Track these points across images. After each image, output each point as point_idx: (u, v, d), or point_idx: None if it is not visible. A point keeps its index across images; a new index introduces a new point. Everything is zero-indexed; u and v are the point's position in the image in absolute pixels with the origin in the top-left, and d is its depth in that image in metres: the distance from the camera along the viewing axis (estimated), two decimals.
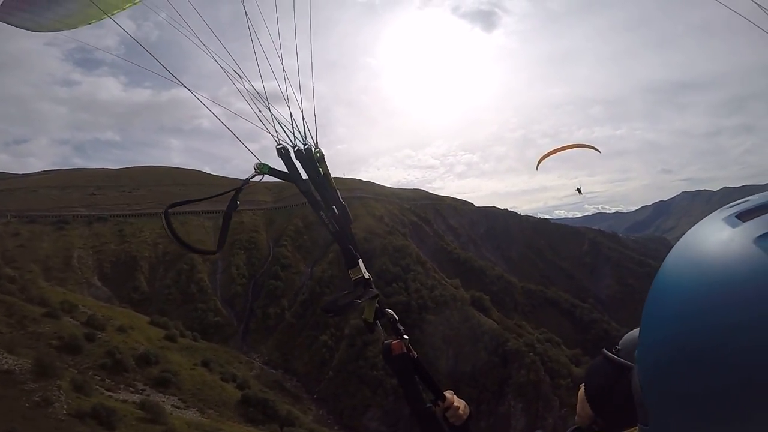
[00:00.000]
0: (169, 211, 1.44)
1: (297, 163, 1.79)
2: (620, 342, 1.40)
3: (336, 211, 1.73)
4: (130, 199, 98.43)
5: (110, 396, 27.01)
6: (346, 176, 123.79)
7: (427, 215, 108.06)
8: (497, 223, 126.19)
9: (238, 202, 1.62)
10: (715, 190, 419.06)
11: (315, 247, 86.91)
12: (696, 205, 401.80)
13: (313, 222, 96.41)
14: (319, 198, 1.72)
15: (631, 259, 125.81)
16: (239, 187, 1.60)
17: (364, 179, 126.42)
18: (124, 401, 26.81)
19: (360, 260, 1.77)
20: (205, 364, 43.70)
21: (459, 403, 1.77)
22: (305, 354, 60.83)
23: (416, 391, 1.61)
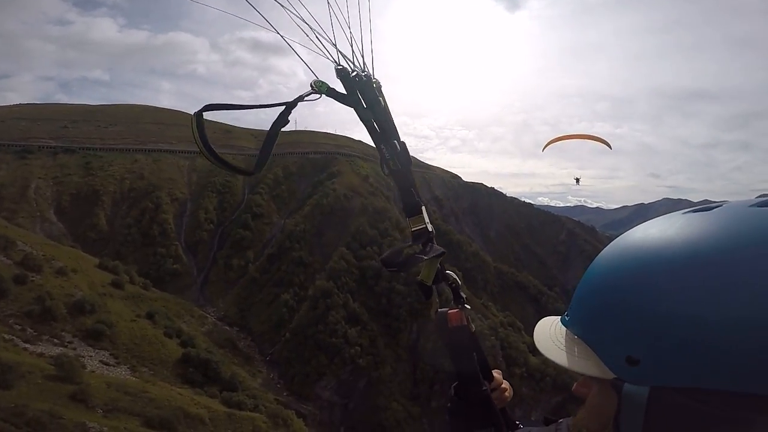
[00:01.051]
0: (203, 113, 1.05)
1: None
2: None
3: (398, 147, 1.45)
4: (104, 134, 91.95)
5: (25, 349, 23.86)
6: (337, 132, 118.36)
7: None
8: (481, 200, 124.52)
9: (288, 119, 1.28)
10: (695, 201, 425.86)
11: (292, 199, 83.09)
12: (673, 212, 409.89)
13: (294, 173, 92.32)
14: (378, 130, 1.45)
15: None
16: (292, 101, 1.30)
17: (356, 139, 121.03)
18: (40, 355, 23.74)
19: (423, 208, 1.46)
20: (150, 316, 40.64)
21: (506, 384, 1.54)
22: (263, 312, 58.52)
23: (473, 369, 1.35)
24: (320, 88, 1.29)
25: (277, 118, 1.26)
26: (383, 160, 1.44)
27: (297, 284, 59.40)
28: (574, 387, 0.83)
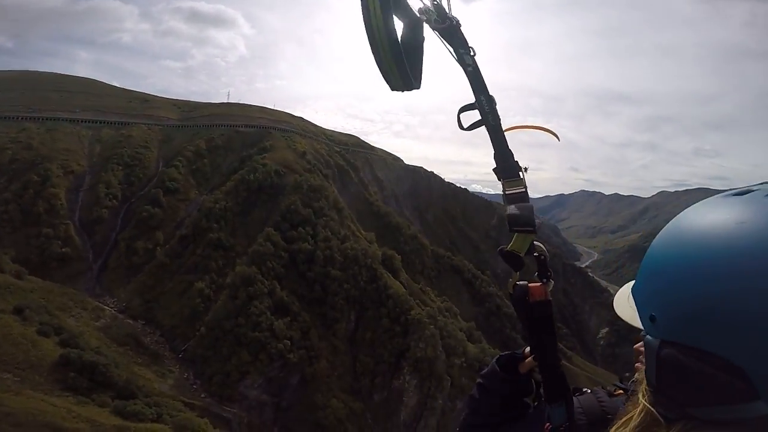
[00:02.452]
0: None
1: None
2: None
3: (494, 101, 1.36)
4: None
5: None
6: (276, 107, 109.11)
7: (357, 162, 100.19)
8: (421, 183, 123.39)
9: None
10: (607, 194, 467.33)
11: (215, 174, 73.93)
12: (589, 204, 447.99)
13: (220, 146, 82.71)
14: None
15: None
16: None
17: (296, 115, 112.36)
18: None
19: (523, 171, 1.38)
20: (19, 311, 32.53)
21: None
22: (175, 303, 50.68)
23: (555, 345, 1.32)
24: (430, 16, 1.20)
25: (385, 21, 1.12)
26: (484, 114, 1.33)
27: (214, 270, 52.12)
28: (635, 346, 1.02)
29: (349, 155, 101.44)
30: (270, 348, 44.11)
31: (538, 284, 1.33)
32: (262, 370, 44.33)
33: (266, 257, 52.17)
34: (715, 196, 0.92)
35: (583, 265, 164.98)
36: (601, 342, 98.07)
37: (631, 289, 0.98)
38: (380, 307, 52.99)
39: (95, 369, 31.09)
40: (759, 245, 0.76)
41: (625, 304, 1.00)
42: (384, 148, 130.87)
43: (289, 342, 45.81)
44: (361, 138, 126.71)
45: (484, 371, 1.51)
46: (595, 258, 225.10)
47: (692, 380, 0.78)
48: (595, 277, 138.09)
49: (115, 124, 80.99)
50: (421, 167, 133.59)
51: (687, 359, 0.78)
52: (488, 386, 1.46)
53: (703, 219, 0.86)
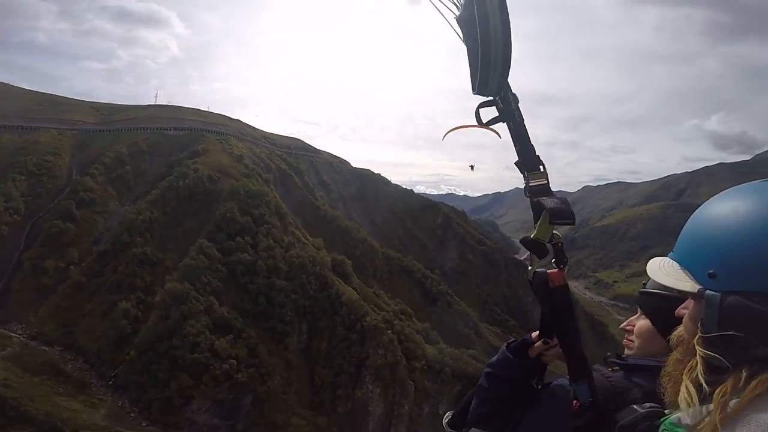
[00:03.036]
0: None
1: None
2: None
3: (517, 98, 1.45)
4: None
5: None
6: (210, 109, 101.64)
7: (301, 166, 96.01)
8: (368, 185, 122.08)
9: None
10: None
11: (138, 182, 66.56)
12: (523, 200, 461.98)
13: (144, 151, 74.96)
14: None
15: (472, 236, 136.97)
16: None
17: (234, 117, 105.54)
18: None
19: (543, 165, 1.46)
20: None
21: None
22: (97, 326, 44.48)
23: (576, 329, 1.41)
24: None
25: None
26: (510, 110, 1.41)
27: (141, 289, 46.37)
28: (676, 311, 1.12)
29: (293, 159, 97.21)
30: (214, 369, 39.80)
31: (556, 270, 1.38)
32: (208, 393, 40.15)
33: (200, 271, 47.26)
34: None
35: (522, 258, 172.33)
36: None
37: (675, 257, 1.06)
38: (333, 315, 50.19)
39: (5, 403, 27.24)
40: None
41: (666, 272, 1.06)
42: (330, 152, 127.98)
43: (235, 361, 41.64)
44: (306, 141, 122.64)
45: (493, 360, 1.54)
46: None
47: (757, 321, 0.86)
48: None
49: (17, 128, 70.21)
50: (368, 170, 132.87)
51: (752, 303, 0.87)
52: (500, 374, 1.50)
53: (747, 189, 0.99)
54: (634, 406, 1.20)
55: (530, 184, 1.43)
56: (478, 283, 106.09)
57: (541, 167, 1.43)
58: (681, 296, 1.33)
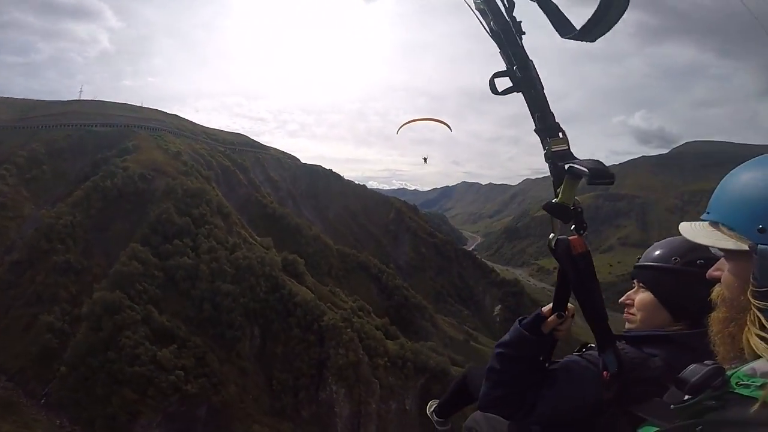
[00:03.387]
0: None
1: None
2: (659, 256, 1.64)
3: (534, 68, 1.45)
4: None
5: None
6: (143, 105, 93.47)
7: (245, 162, 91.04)
8: (319, 181, 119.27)
9: None
10: (483, 183, 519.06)
11: (58, 184, 59.50)
12: (469, 193, 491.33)
13: (65, 149, 67.35)
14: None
15: (424, 230, 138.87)
16: None
17: (170, 113, 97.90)
18: None
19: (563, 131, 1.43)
20: None
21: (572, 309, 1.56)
22: (17, 342, 39.16)
23: (601, 296, 1.37)
24: None
25: None
26: (531, 76, 1.40)
27: (65, 300, 41.30)
28: (708, 273, 1.13)
29: (237, 155, 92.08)
30: (159, 382, 36.18)
31: (577, 236, 1.35)
32: (156, 406, 36.68)
33: (134, 278, 42.82)
34: None
35: (470, 249, 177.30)
36: (498, 319, 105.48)
37: (716, 218, 1.06)
38: (288, 317, 47.74)
39: None
40: None
41: (706, 234, 1.08)
42: (278, 148, 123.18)
43: (182, 372, 38.21)
44: (252, 138, 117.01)
45: (505, 339, 1.51)
46: (479, 241, 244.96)
47: None
48: (483, 260, 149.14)
49: None
50: (319, 166, 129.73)
51: None
52: (514, 353, 1.47)
53: None
54: (698, 365, 1.12)
55: (552, 149, 1.37)
56: (431, 276, 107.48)
57: (560, 133, 1.38)
58: (675, 266, 1.56)
